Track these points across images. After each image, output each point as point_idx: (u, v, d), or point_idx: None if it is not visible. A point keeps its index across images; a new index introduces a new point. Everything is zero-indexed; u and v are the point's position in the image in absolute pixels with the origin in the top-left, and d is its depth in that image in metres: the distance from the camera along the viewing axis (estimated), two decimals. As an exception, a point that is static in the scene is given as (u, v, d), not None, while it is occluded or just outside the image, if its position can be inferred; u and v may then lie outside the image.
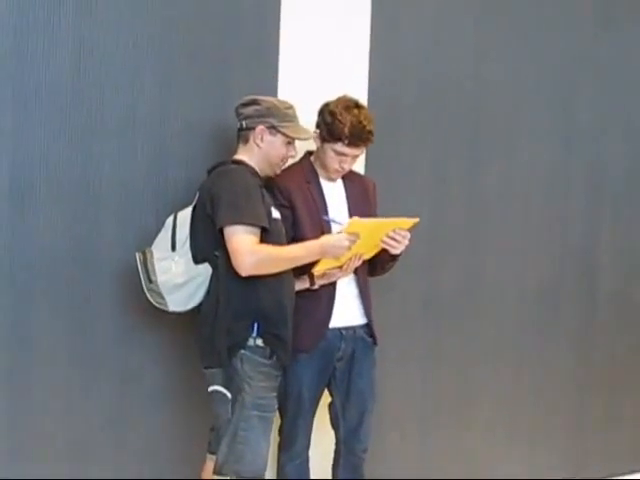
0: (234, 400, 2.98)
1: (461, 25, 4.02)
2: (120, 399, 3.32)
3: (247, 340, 2.96)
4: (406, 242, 3.19)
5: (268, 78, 3.49)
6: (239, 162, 3.09)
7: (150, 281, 2.99)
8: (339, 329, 3.32)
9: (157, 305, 3.02)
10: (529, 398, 4.40)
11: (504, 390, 4.31)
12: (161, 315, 3.09)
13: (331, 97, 3.28)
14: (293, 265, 3.05)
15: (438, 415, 4.15)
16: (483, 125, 4.13)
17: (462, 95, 4.05)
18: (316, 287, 3.25)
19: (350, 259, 3.19)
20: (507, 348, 4.30)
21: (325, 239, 3.04)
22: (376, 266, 3.40)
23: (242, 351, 2.96)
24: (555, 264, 4.42)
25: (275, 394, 3.08)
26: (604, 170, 4.54)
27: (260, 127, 3.09)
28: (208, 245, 2.98)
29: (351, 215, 3.27)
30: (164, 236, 3.07)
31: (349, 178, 3.40)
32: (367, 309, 3.38)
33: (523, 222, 4.30)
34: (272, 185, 3.23)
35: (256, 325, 2.97)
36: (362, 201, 3.39)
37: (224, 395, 3.00)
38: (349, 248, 3.03)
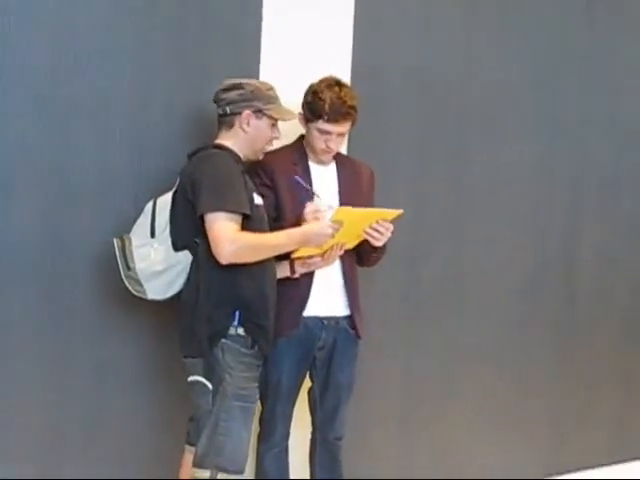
0: (215, 391, 2.91)
1: (449, 13, 3.97)
2: (97, 390, 3.25)
3: (228, 329, 2.90)
4: (389, 234, 3.15)
5: (250, 60, 3.42)
6: (221, 147, 3.02)
7: (128, 268, 2.92)
8: (321, 318, 3.27)
9: (135, 293, 2.95)
10: (510, 394, 4.37)
11: (485, 386, 4.28)
12: (139, 303, 3.02)
13: (314, 79, 3.23)
14: (274, 253, 2.99)
15: (419, 411, 4.11)
16: (468, 115, 4.09)
17: (448, 84, 4.00)
18: (296, 276, 3.20)
19: (332, 248, 3.14)
20: (489, 343, 4.27)
21: (308, 227, 2.98)
22: (362, 257, 3.35)
23: (223, 340, 2.90)
24: (537, 259, 4.39)
25: (257, 384, 3.02)
26: (587, 164, 4.51)
27: (247, 112, 3.02)
28: (188, 232, 2.91)
29: (341, 201, 3.24)
30: (143, 222, 3.00)
31: (343, 163, 3.36)
32: (352, 301, 3.32)
33: (506, 216, 4.26)
34: (257, 165, 3.19)
35: (237, 314, 2.91)
36: (354, 188, 3.33)
37: (204, 385, 2.93)
38: (332, 236, 2.98)
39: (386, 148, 3.84)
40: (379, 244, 3.17)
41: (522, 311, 4.37)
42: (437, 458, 4.14)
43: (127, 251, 2.93)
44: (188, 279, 2.93)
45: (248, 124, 3.03)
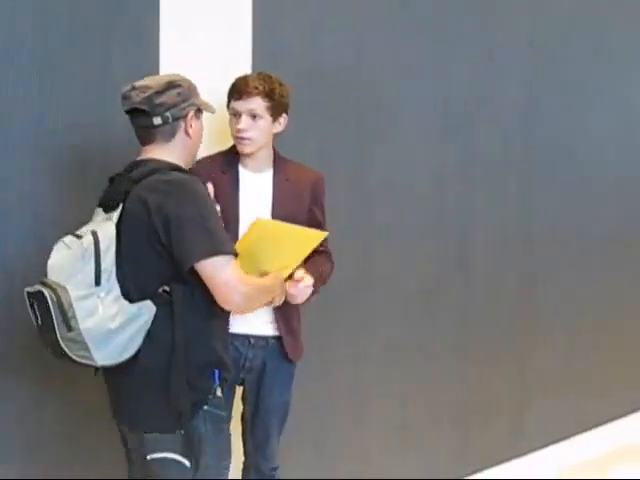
0: (195, 467, 2.39)
1: (343, 8, 3.70)
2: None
3: (210, 393, 2.40)
4: (308, 291, 2.88)
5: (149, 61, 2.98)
6: (179, 168, 2.45)
7: (69, 329, 2.25)
8: (247, 337, 2.95)
9: (78, 359, 2.29)
10: (418, 395, 4.18)
11: (395, 388, 4.07)
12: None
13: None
14: (269, 298, 2.61)
15: (334, 415, 3.84)
16: (366, 113, 3.84)
17: (344, 82, 3.74)
18: None
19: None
20: (396, 345, 4.05)
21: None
22: None
23: (205, 407, 2.40)
24: (435, 255, 4.22)
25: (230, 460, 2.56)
26: (477, 157, 4.37)
27: (190, 113, 2.48)
28: (153, 279, 2.35)
29: (274, 212, 2.94)
30: (80, 265, 2.30)
31: (282, 170, 3.01)
32: (283, 321, 2.98)
33: (406, 211, 4.06)
34: None
35: (217, 373, 2.42)
36: (292, 197, 2.97)
37: (179, 463, 2.38)
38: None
39: (285, 149, 3.46)
40: (298, 301, 2.90)
41: (426, 310, 4.19)
42: (352, 462, 3.89)
43: (65, 305, 2.25)
44: (148, 335, 2.34)
45: (191, 126, 2.49)
